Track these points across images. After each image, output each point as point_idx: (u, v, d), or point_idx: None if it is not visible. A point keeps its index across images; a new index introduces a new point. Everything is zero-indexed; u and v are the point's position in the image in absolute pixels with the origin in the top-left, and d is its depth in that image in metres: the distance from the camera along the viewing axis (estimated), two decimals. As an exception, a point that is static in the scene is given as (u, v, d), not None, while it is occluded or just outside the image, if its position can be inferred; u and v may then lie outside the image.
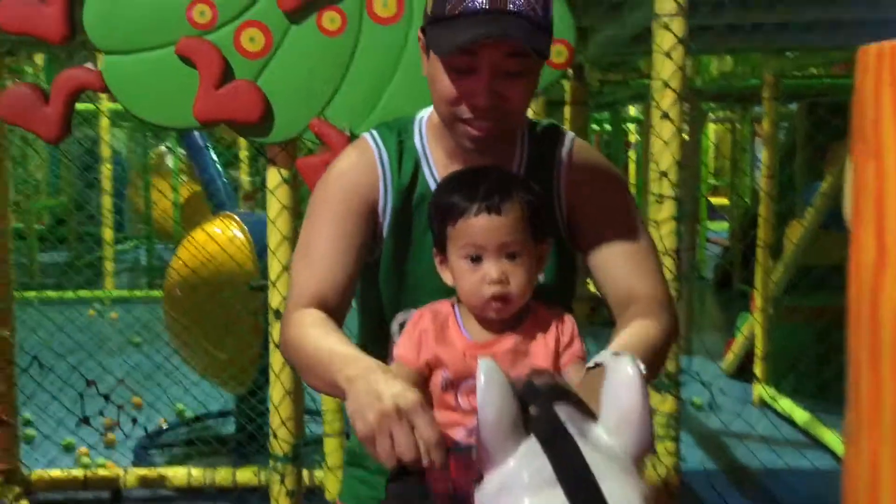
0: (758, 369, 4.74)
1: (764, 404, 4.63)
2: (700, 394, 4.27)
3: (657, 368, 1.32)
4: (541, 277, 1.29)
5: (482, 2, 1.19)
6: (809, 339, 4.37)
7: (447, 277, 1.25)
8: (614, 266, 1.34)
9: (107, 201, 8.31)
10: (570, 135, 1.41)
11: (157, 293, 7.85)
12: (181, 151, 9.61)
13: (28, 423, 4.09)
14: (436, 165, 1.36)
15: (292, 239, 2.28)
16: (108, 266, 8.37)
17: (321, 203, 1.36)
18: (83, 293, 7.78)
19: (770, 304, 4.62)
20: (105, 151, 8.16)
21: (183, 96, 2.10)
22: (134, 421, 3.05)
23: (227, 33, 2.10)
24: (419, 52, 1.33)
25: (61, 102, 2.11)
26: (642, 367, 0.83)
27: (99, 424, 3.65)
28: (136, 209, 10.89)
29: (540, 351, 1.18)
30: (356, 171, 1.36)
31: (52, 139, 2.13)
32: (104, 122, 7.71)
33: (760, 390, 4.71)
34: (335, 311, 1.29)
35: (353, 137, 2.11)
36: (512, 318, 1.20)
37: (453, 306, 1.24)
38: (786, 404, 4.44)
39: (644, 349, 1.19)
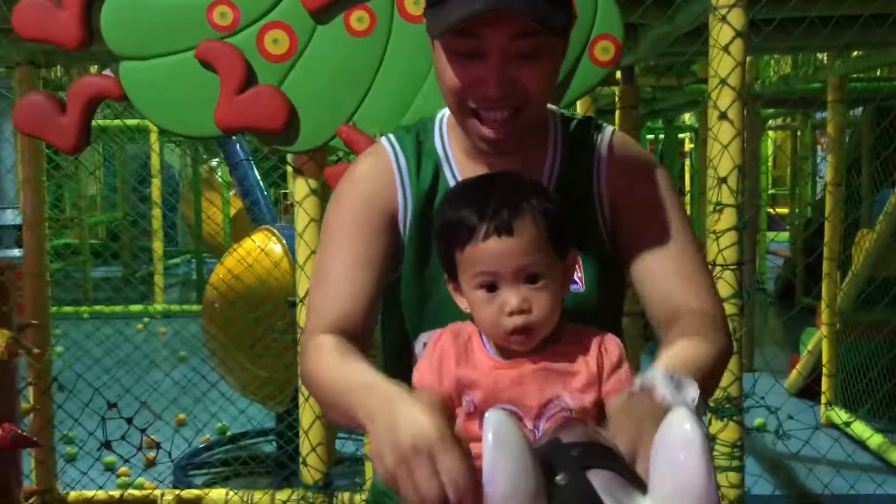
0: (826, 389, 4.45)
1: (833, 426, 4.35)
2: (764, 414, 4.02)
3: (709, 394, 1.15)
4: (576, 287, 1.14)
5: None
6: (881, 357, 4.09)
7: (463, 304, 1.10)
8: (660, 276, 1.17)
9: (157, 215, 8.35)
10: (609, 128, 1.25)
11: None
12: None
13: (70, 440, 4.04)
14: (458, 166, 1.21)
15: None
16: (159, 280, 8.40)
17: (335, 219, 1.22)
18: (134, 308, 7.81)
19: (838, 319, 4.34)
20: (155, 165, 8.20)
21: (203, 103, 1.99)
22: (156, 447, 2.93)
23: (249, 35, 1.99)
24: None
25: (79, 111, 2.01)
26: (705, 424, 0.66)
27: (137, 444, 3.58)
28: (188, 223, 10.97)
29: (582, 371, 1.01)
30: (371, 179, 1.22)
31: (70, 150, 2.03)
32: (154, 136, 7.75)
33: (829, 411, 4.43)
34: (356, 337, 1.15)
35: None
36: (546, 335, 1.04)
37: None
38: (857, 427, 4.16)
39: (695, 371, 1.00)
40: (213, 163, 10.85)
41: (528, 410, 0.94)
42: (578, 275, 1.21)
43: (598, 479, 0.63)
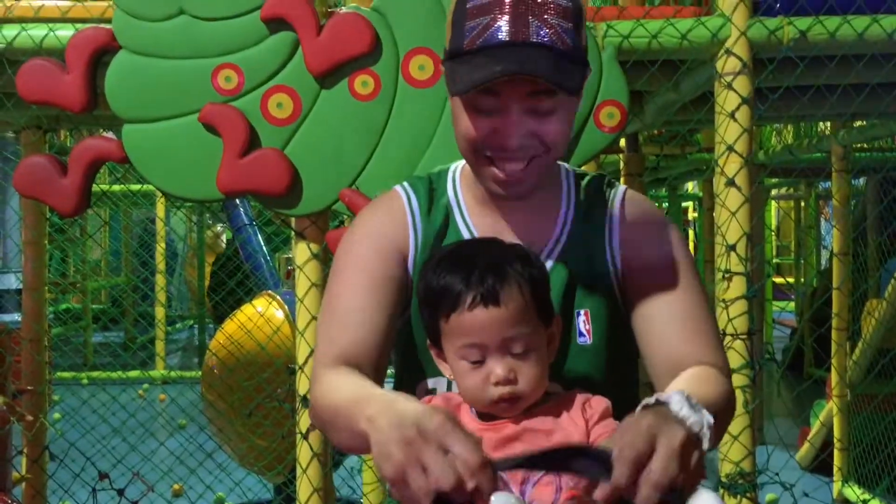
0: (839, 464, 4.34)
1: (845, 501, 4.22)
2: (775, 489, 3.90)
3: (717, 438, 1.11)
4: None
5: (502, 34, 1.04)
6: (892, 429, 3.99)
7: (446, 371, 1.08)
8: (666, 332, 1.14)
9: (161, 281, 8.32)
10: (621, 186, 1.26)
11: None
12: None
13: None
14: (469, 213, 1.21)
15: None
16: (160, 346, 8.33)
17: (347, 252, 1.21)
18: (133, 374, 7.72)
19: (849, 391, 4.25)
20: (160, 231, 8.22)
21: (206, 166, 1.98)
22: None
23: (253, 99, 1.98)
24: None
25: (80, 174, 2.00)
26: None
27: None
28: (191, 288, 10.94)
29: (568, 428, 0.99)
30: (384, 217, 1.22)
31: (70, 213, 2.01)
32: (161, 202, 7.79)
33: (844, 488, 4.30)
34: (366, 367, 1.11)
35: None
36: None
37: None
38: (869, 501, 4.04)
39: (705, 405, 0.95)
40: (219, 228, 10.90)
41: (514, 475, 0.90)
42: (587, 327, 1.19)
43: None
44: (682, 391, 0.89)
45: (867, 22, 2.05)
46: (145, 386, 7.73)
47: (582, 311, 1.18)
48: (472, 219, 1.20)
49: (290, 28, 1.96)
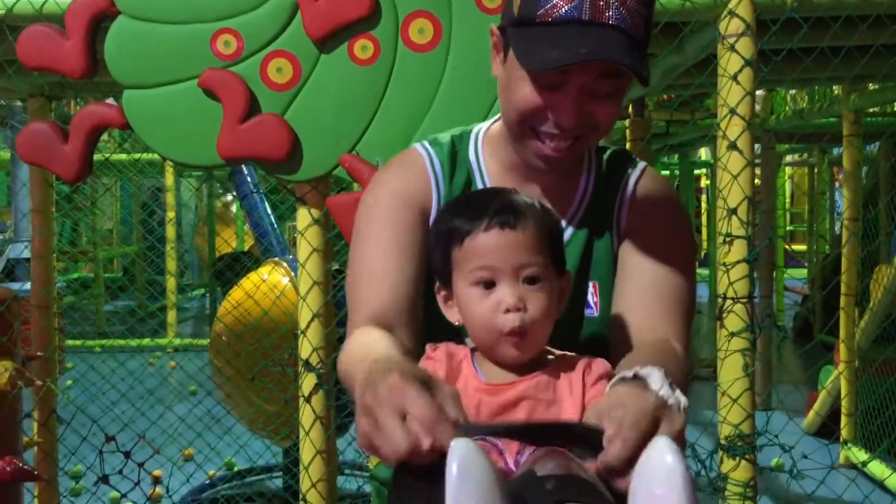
0: (844, 428, 4.35)
1: (852, 466, 4.24)
2: (780, 455, 3.92)
3: None
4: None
5: (583, 10, 1.02)
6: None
7: (453, 316, 1.06)
8: (642, 298, 1.15)
9: (171, 251, 8.37)
10: (641, 163, 1.26)
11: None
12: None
13: (76, 476, 3.99)
14: (490, 179, 1.22)
15: (324, 284, 2.11)
16: (171, 315, 8.40)
17: (370, 212, 1.20)
18: (145, 341, 7.80)
19: (856, 357, 4.25)
20: (170, 200, 8.24)
21: (206, 132, 1.97)
22: (157, 482, 2.89)
23: (253, 64, 1.97)
24: (458, 80, 1.19)
25: (81, 140, 2.00)
26: (684, 458, 0.62)
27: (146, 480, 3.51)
28: (202, 256, 11.00)
29: (566, 398, 0.97)
30: (406, 176, 1.21)
31: (72, 179, 2.02)
32: (169, 171, 7.80)
33: (847, 451, 4.32)
34: (400, 329, 1.11)
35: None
36: (534, 358, 1.00)
37: (472, 351, 1.05)
38: (876, 467, 4.05)
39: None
40: (228, 198, 10.93)
41: (510, 444, 0.90)
42: (595, 300, 1.19)
43: None
44: (660, 368, 0.88)
45: (873, -19, 2.02)
46: (157, 354, 7.82)
47: (591, 283, 1.19)
48: (493, 184, 1.20)
49: (289, -8, 1.95)
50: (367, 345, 1.03)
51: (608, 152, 1.26)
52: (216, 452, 3.76)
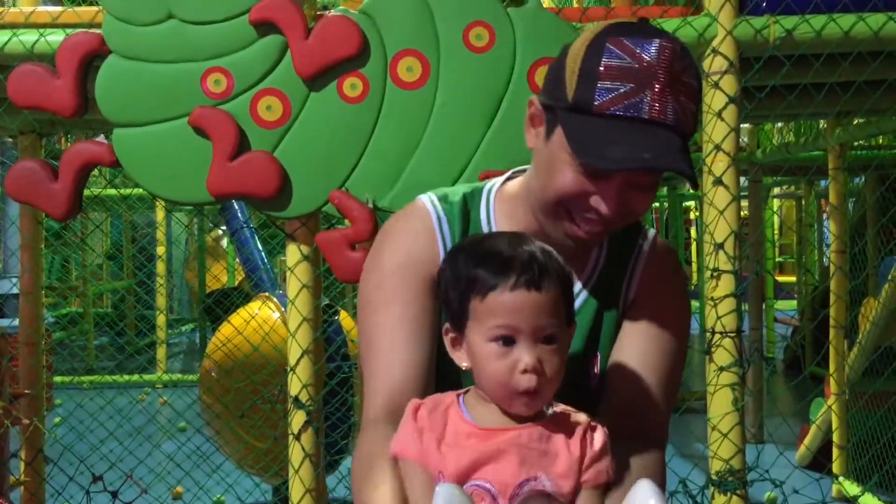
0: (836, 462, 4.34)
1: (844, 500, 4.22)
2: (772, 488, 3.91)
3: None
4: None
5: (642, 108, 1.03)
6: (892, 428, 3.99)
7: (460, 359, 1.05)
8: (633, 378, 1.17)
9: (161, 286, 8.34)
10: (651, 232, 1.27)
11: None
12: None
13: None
14: None
15: (314, 320, 2.11)
16: (161, 350, 8.35)
17: (377, 285, 1.18)
18: (135, 377, 7.74)
19: (846, 390, 4.25)
20: (160, 235, 8.24)
21: (196, 169, 1.99)
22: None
23: (243, 102, 1.99)
24: (446, 117, 1.20)
25: (71, 178, 2.01)
26: (664, 496, 0.63)
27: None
28: (193, 292, 10.97)
29: (562, 453, 0.97)
30: (413, 242, 1.19)
31: (61, 217, 2.02)
32: (159, 206, 7.81)
33: (839, 485, 4.30)
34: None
35: (376, 210, 1.96)
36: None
37: (458, 396, 1.04)
38: (869, 501, 4.04)
39: None
40: (220, 232, 10.92)
41: (504, 488, 0.90)
42: (595, 370, 1.19)
43: None
44: (654, 490, 0.86)
45: (853, 20, 2.06)
46: (147, 390, 7.76)
47: (596, 354, 1.20)
48: None
49: (279, 31, 1.97)
50: (376, 481, 1.02)
51: None
52: (205, 491, 3.72)
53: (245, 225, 4.32)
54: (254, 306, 3.82)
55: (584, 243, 1.14)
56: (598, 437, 1.01)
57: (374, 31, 1.98)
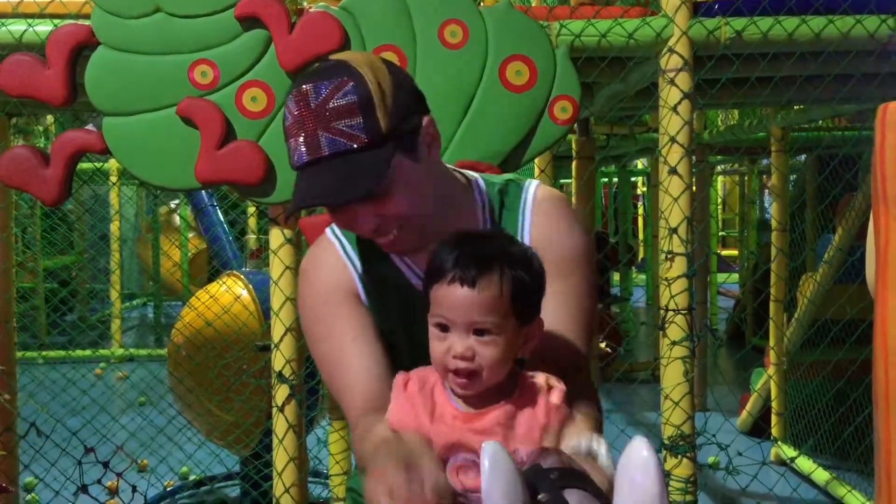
0: (775, 427, 4.62)
1: (782, 463, 4.51)
2: (716, 452, 4.16)
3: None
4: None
5: (298, 157, 1.21)
6: (826, 396, 4.27)
7: None
8: (551, 320, 1.26)
9: (115, 259, 8.31)
10: (531, 184, 1.37)
11: (165, 352, 7.84)
12: (189, 209, 9.71)
13: (29, 489, 4.00)
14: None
15: (295, 300, 2.23)
16: (116, 325, 8.34)
17: (315, 321, 1.34)
18: (90, 353, 7.73)
19: (784, 360, 4.52)
20: (115, 207, 8.20)
21: (184, 157, 2.08)
22: (133, 489, 2.97)
23: (228, 93, 2.09)
24: None
25: (62, 165, 2.09)
26: (656, 453, 0.78)
27: (102, 490, 3.56)
28: (144, 267, 10.90)
29: (533, 425, 1.10)
30: (326, 272, 1.35)
31: (52, 202, 2.10)
32: (114, 178, 7.75)
33: (778, 448, 4.59)
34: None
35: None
36: (501, 386, 1.13)
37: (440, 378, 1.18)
38: (804, 463, 4.32)
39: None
40: (172, 205, 10.85)
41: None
42: None
43: (573, 497, 0.74)
44: (600, 440, 1.00)
45: (796, 23, 2.24)
46: (102, 364, 7.75)
47: None
48: (407, 256, 1.32)
49: (263, 26, 2.07)
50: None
51: (496, 187, 1.35)
52: (162, 462, 3.81)
53: (211, 204, 4.39)
54: (221, 283, 3.90)
55: (403, 247, 1.26)
56: (555, 396, 1.13)
57: (354, 27, 2.09)
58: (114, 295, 8.42)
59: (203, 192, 4.48)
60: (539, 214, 1.32)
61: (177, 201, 10.06)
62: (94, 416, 3.99)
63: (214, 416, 3.73)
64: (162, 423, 4.16)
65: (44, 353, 7.72)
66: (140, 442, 4.20)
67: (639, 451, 0.75)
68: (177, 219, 10.22)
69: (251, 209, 7.61)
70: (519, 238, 1.30)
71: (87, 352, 7.83)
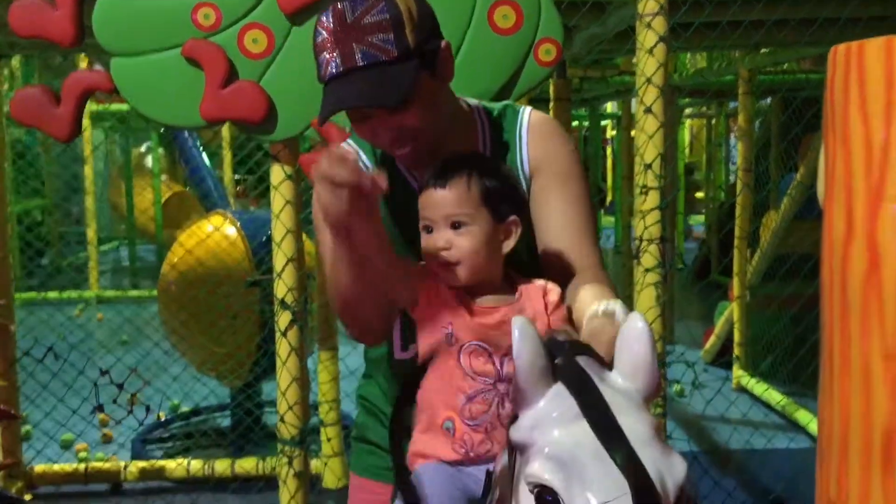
0: (736, 355, 4.89)
1: (742, 389, 4.79)
2: (682, 381, 4.42)
3: None
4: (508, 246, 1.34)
5: (329, 68, 1.28)
6: (784, 326, 4.53)
7: None
8: (560, 233, 1.41)
9: (90, 202, 8.35)
10: (525, 109, 1.50)
11: (143, 292, 7.95)
12: (161, 152, 9.71)
13: (24, 420, 4.15)
14: (409, 165, 1.45)
15: (296, 232, 2.37)
16: (93, 267, 8.41)
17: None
18: (62, 294, 7.81)
19: (747, 293, 4.77)
20: (87, 151, 8.20)
21: (190, 96, 2.19)
22: (130, 410, 3.13)
23: (230, 35, 2.19)
24: None
25: (72, 103, 2.19)
26: (650, 325, 0.96)
27: (95, 420, 3.72)
28: (116, 209, 10.91)
29: (536, 316, 1.27)
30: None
31: (65, 138, 2.21)
32: (84, 122, 7.75)
33: (739, 375, 4.86)
34: None
35: (352, 134, 2.21)
36: (506, 292, 1.29)
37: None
38: (763, 388, 4.60)
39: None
40: (143, 149, 10.82)
41: (500, 349, 1.22)
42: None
43: (583, 361, 0.92)
44: (616, 300, 1.14)
45: (765, -30, 2.39)
46: (80, 306, 7.85)
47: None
48: (414, 170, 1.43)
49: (263, -31, 2.17)
50: None
51: (496, 111, 1.48)
52: (154, 396, 3.97)
53: (195, 145, 4.47)
54: (210, 222, 4.02)
55: (417, 157, 1.36)
56: (551, 293, 1.30)
57: (350, -28, 2.19)
58: (90, 237, 8.44)
59: (185, 134, 4.55)
60: (534, 134, 1.46)
61: (148, 143, 10.06)
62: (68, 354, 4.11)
63: (207, 349, 3.88)
64: (146, 360, 4.31)
65: (19, 294, 7.76)
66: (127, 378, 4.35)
67: (635, 323, 0.92)
68: (149, 161, 10.23)
69: (226, 151, 7.68)
70: (517, 154, 1.44)
71: (66, 294, 7.91)
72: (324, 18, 1.29)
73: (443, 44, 1.35)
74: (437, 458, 1.22)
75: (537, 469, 0.83)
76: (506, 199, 1.31)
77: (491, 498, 1.03)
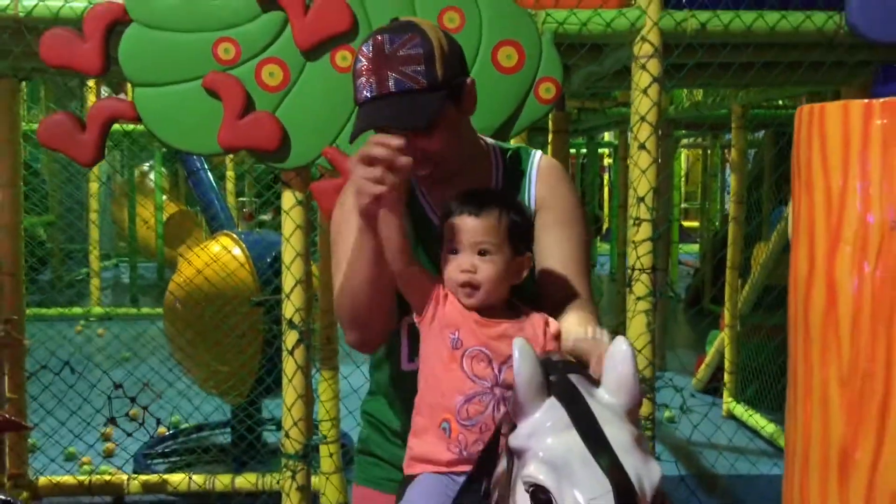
0: (727, 383, 5.00)
1: (732, 416, 4.89)
2: (671, 406, 4.53)
3: None
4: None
5: (364, 91, 1.41)
6: (772, 355, 4.64)
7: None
8: (558, 267, 1.54)
9: (94, 220, 8.46)
10: (537, 153, 1.64)
11: (146, 310, 8.05)
12: (164, 171, 9.85)
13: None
14: (425, 188, 1.59)
15: (305, 256, 2.49)
16: (95, 284, 8.51)
17: (336, 229, 1.58)
18: (69, 311, 7.90)
19: (737, 322, 4.89)
20: (94, 170, 8.30)
21: (208, 125, 2.32)
22: (141, 423, 3.22)
23: (248, 69, 2.33)
24: None
25: (97, 130, 2.32)
26: (633, 349, 1.08)
27: (98, 439, 3.81)
28: (119, 227, 11.02)
29: (534, 342, 1.39)
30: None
31: (89, 163, 2.34)
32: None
33: (729, 403, 4.97)
34: None
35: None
36: (507, 315, 1.41)
37: None
38: (752, 416, 4.70)
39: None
40: (145, 167, 10.95)
41: (499, 357, 1.34)
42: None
43: (574, 378, 1.04)
44: (602, 330, 1.27)
45: (754, 17, 2.53)
46: (82, 322, 7.94)
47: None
48: (428, 193, 1.58)
49: (281, 8, 2.30)
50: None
51: (509, 152, 1.62)
52: (167, 411, 4.07)
53: (202, 168, 4.60)
54: (218, 243, 4.14)
55: (430, 180, 1.50)
56: (552, 326, 1.42)
57: (362, 11, 2.33)
58: (93, 255, 8.54)
59: (195, 157, 4.68)
60: (543, 175, 1.61)
61: (151, 162, 10.19)
62: (84, 371, 4.20)
63: (211, 367, 3.99)
64: (148, 376, 4.40)
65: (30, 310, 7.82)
66: (129, 394, 4.44)
67: (620, 346, 1.05)
68: (150, 182, 10.35)
69: (230, 173, 7.81)
70: (526, 192, 1.58)
71: (69, 310, 8.00)
72: (364, 48, 1.42)
73: (468, 80, 1.49)
74: (432, 462, 1.33)
75: (533, 471, 0.96)
76: (524, 236, 1.46)
77: (491, 499, 1.14)
